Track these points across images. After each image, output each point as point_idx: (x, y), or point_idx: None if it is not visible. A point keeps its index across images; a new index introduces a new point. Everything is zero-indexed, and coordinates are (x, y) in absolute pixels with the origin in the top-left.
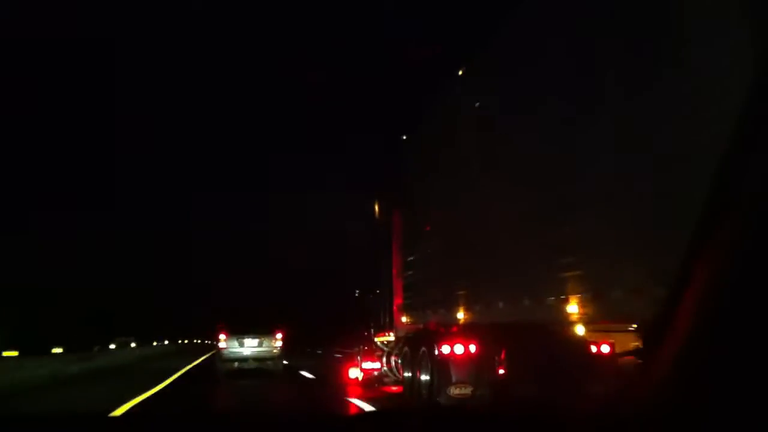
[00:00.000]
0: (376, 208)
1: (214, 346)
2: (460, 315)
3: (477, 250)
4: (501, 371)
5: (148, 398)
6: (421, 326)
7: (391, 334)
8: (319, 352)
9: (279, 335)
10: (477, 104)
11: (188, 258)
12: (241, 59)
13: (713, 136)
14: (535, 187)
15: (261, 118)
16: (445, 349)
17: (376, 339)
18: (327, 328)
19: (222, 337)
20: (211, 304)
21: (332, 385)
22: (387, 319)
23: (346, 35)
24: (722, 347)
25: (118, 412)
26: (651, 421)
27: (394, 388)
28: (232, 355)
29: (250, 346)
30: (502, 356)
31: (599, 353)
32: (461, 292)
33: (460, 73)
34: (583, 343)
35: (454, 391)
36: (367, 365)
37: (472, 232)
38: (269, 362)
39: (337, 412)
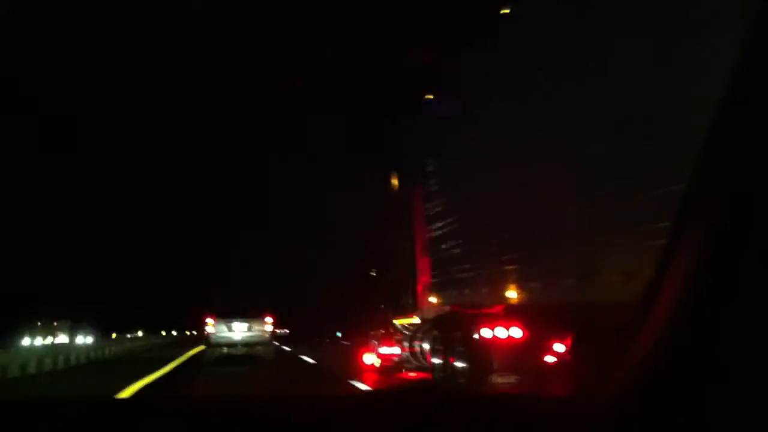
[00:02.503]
0: (394, 182)
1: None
2: (508, 294)
3: (528, 218)
4: (550, 359)
5: None
6: (451, 307)
7: (415, 316)
8: (346, 342)
9: (269, 319)
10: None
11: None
12: (240, 60)
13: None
14: (617, 132)
15: (260, 118)
16: (486, 333)
17: (395, 322)
18: (338, 312)
19: (210, 321)
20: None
21: None
22: (410, 300)
23: (346, 34)
24: (699, 337)
25: None
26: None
27: (413, 375)
28: (221, 340)
29: (239, 331)
30: (555, 342)
31: None
32: (507, 268)
33: (503, 11)
34: None
35: (497, 379)
36: (385, 350)
37: (521, 197)
38: (260, 347)
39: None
